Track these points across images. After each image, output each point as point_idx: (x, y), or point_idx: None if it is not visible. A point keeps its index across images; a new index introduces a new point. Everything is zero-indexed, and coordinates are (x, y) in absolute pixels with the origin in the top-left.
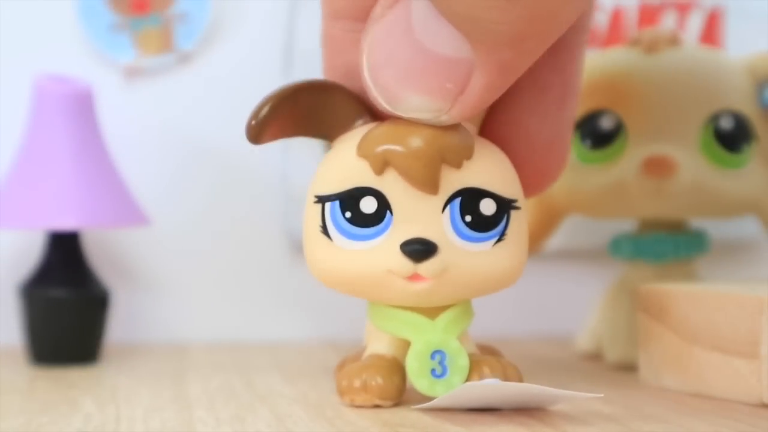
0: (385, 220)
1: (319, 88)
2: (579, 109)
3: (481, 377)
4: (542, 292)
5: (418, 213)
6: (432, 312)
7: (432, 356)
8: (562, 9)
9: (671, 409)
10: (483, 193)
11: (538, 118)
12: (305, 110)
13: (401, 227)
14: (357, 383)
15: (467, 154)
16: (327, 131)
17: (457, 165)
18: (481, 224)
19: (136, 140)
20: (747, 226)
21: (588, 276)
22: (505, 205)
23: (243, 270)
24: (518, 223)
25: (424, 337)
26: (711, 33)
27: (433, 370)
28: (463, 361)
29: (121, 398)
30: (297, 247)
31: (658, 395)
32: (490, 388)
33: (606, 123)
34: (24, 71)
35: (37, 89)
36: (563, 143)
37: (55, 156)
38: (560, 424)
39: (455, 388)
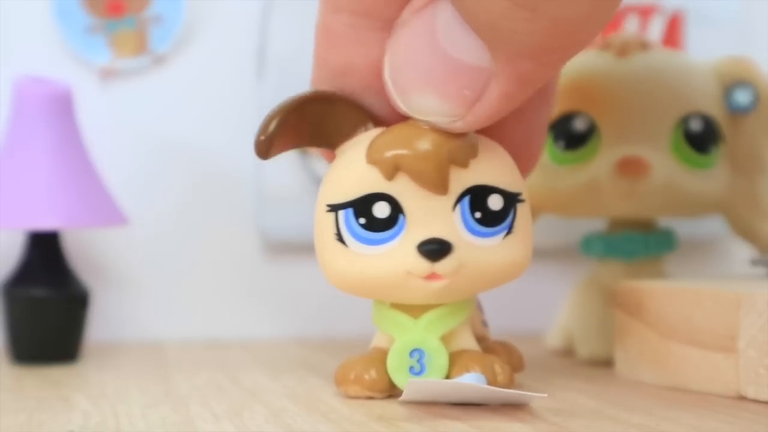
0: (399, 223)
1: (322, 98)
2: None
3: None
4: (512, 290)
5: (430, 214)
6: (419, 311)
7: (411, 354)
8: (586, 24)
9: (653, 402)
10: (490, 189)
11: (515, 117)
12: (310, 121)
13: (415, 229)
14: (351, 375)
15: (473, 153)
16: (330, 140)
17: (465, 164)
18: (490, 219)
19: (112, 141)
20: (711, 225)
21: (555, 274)
22: (511, 199)
23: (217, 269)
24: (524, 215)
25: (405, 335)
26: (672, 37)
27: (411, 368)
28: (442, 360)
29: (112, 396)
30: (270, 246)
31: (637, 389)
32: (437, 384)
33: (579, 125)
34: (0, 73)
35: (17, 90)
36: (537, 142)
37: (35, 157)
38: (549, 417)
39: (407, 385)
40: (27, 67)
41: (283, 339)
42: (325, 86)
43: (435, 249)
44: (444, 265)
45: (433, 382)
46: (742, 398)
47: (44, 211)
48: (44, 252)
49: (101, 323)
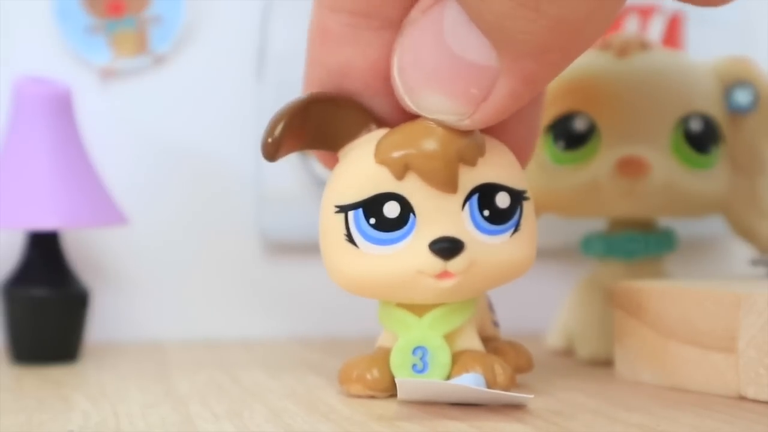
0: (409, 222)
1: (327, 100)
2: (552, 111)
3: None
4: (513, 290)
5: (440, 212)
6: (424, 309)
7: (414, 352)
8: (588, 24)
9: (652, 402)
10: (497, 187)
11: (516, 116)
12: (314, 123)
13: (425, 228)
14: (354, 374)
15: (481, 151)
16: (332, 142)
17: (473, 163)
18: (498, 217)
19: (112, 141)
20: (712, 225)
21: (555, 274)
22: (517, 197)
23: (217, 269)
24: (529, 212)
25: (408, 333)
26: (672, 37)
27: (414, 366)
28: (444, 358)
29: (112, 395)
30: (270, 246)
31: (637, 389)
32: (427, 384)
33: (579, 125)
34: (0, 73)
35: (16, 90)
36: (534, 139)
37: (35, 157)
38: (549, 417)
39: (398, 385)
40: (27, 67)
41: (283, 339)
42: (323, 88)
43: (447, 247)
44: (456, 263)
45: (423, 382)
46: (742, 398)
47: (44, 211)
48: (44, 252)
49: (101, 323)
